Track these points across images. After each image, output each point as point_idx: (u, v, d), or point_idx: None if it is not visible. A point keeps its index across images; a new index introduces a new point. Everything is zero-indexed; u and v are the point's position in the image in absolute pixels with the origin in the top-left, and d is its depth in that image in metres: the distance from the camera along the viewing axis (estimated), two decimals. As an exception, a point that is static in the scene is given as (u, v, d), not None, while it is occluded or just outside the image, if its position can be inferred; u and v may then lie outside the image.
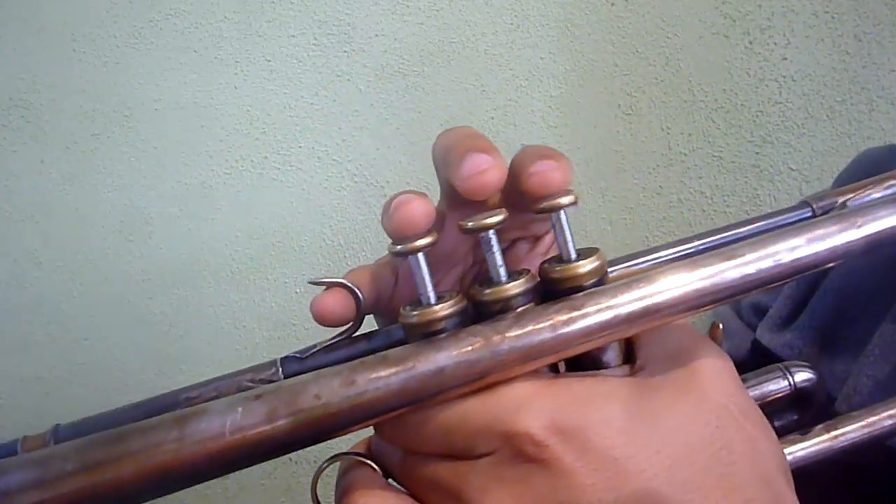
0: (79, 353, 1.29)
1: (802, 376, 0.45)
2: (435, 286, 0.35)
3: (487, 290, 0.35)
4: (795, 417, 0.46)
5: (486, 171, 0.35)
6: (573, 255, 0.35)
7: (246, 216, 1.27)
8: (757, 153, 1.20)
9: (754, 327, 0.65)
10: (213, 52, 1.22)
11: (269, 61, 1.23)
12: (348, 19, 1.22)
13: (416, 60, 1.22)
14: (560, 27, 1.20)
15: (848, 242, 0.35)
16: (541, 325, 0.33)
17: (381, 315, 0.45)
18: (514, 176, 0.37)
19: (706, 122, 1.20)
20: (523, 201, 0.37)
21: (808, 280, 0.62)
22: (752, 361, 0.47)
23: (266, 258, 1.28)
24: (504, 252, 0.44)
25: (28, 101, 1.22)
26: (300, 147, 1.25)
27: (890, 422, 0.44)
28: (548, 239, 0.45)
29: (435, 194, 0.44)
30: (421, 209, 0.37)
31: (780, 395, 0.45)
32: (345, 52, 1.23)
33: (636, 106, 1.21)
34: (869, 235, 0.35)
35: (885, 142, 1.16)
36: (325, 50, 1.23)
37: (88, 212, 1.25)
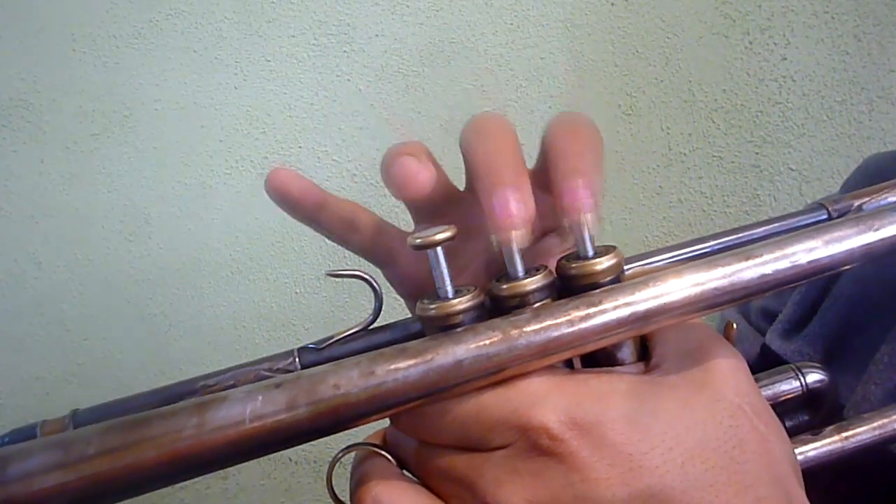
0: (79, 353, 1.29)
1: (814, 377, 0.46)
2: (454, 278, 0.35)
3: (505, 286, 0.35)
4: (806, 418, 0.46)
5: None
6: (590, 253, 0.35)
7: (246, 216, 1.27)
8: (757, 153, 1.21)
9: (763, 332, 0.65)
10: (213, 52, 1.22)
11: (269, 61, 1.23)
12: (348, 19, 1.22)
13: (416, 60, 1.23)
14: (560, 27, 1.21)
15: (865, 245, 0.34)
16: (558, 321, 0.33)
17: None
18: (546, 171, 0.37)
19: (706, 122, 1.20)
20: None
21: (817, 285, 0.62)
22: (761, 367, 0.47)
23: (266, 258, 1.29)
24: (534, 244, 0.45)
25: (28, 101, 1.22)
26: (300, 147, 1.25)
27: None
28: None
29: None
30: (427, 179, 0.39)
31: (791, 395, 0.45)
32: (345, 52, 1.23)
33: (636, 106, 1.21)
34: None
35: (884, 142, 1.17)
36: (325, 50, 1.23)
37: (88, 212, 1.25)
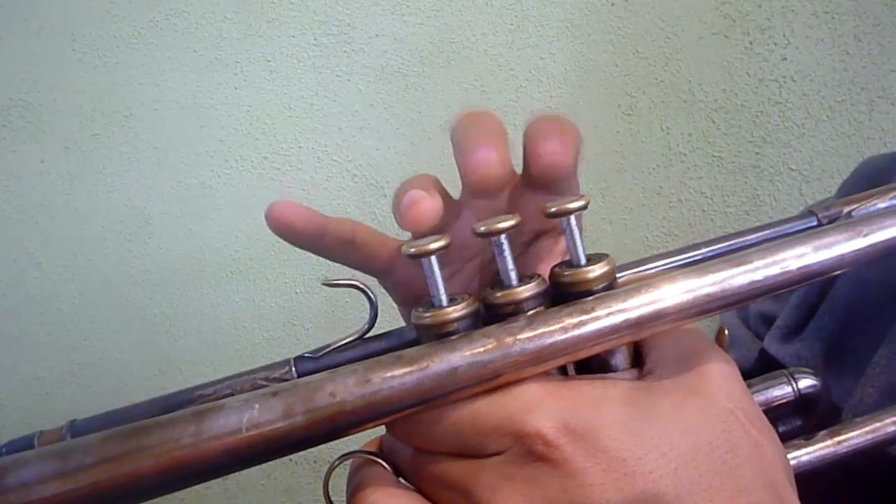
0: (79, 353, 1.29)
1: (807, 382, 0.46)
2: (447, 285, 0.35)
3: (499, 294, 0.35)
4: (799, 423, 0.46)
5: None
6: (583, 260, 0.36)
7: (246, 216, 1.27)
8: (757, 153, 1.21)
9: (762, 336, 0.65)
10: (213, 52, 1.22)
11: (269, 61, 1.23)
12: (348, 19, 1.22)
13: (416, 60, 1.23)
14: (560, 27, 1.21)
15: (854, 251, 0.35)
16: (552, 328, 0.33)
17: None
18: (526, 154, 0.38)
19: (706, 122, 1.20)
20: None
21: (815, 289, 0.63)
22: (759, 371, 0.47)
23: (266, 258, 1.29)
24: (527, 247, 0.45)
25: (28, 101, 1.22)
26: (300, 147, 1.25)
27: (893, 428, 0.45)
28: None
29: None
30: (430, 210, 0.38)
31: (784, 400, 0.46)
32: (345, 52, 1.23)
33: (636, 106, 1.21)
34: (875, 244, 0.35)
35: (884, 142, 1.17)
36: (325, 50, 1.23)
37: (88, 212, 1.25)
